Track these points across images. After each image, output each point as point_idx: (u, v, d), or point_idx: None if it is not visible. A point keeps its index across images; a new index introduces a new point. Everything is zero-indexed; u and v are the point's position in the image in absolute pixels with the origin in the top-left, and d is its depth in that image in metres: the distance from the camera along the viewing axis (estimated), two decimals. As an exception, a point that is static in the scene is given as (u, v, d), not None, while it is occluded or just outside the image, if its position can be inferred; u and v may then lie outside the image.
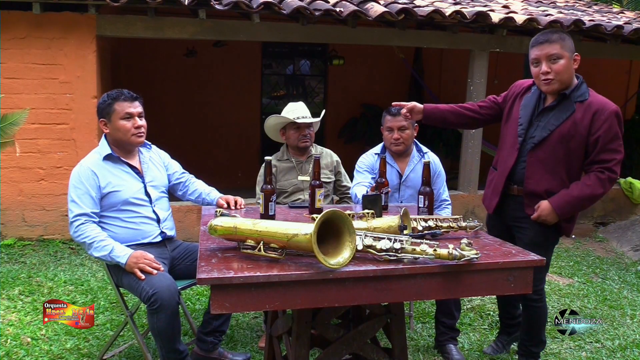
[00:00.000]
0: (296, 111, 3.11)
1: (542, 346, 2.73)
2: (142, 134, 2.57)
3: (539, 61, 2.39)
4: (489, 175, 2.78)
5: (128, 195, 2.52)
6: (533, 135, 2.47)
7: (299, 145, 3.10)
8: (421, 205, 2.35)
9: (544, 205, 2.44)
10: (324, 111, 3.28)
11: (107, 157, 2.53)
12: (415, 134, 3.08)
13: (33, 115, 4.54)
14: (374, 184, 2.57)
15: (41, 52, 4.60)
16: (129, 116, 2.51)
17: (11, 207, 4.68)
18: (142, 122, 2.56)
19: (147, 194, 2.60)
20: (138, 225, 2.55)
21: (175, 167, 2.84)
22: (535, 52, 2.40)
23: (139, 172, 2.61)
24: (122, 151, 2.58)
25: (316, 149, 3.23)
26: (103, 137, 2.60)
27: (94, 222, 2.44)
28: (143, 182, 2.61)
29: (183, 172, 2.85)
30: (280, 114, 3.17)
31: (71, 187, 2.46)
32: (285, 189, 3.11)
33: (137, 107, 2.55)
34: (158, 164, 2.74)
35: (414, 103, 2.67)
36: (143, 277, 2.31)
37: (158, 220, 2.63)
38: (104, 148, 2.55)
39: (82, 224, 2.40)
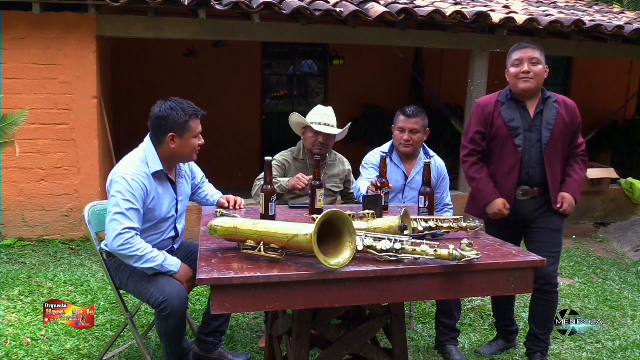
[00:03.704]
0: (319, 116, 3.04)
1: (550, 331, 2.84)
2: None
3: (521, 62, 2.65)
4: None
5: (163, 214, 2.45)
6: (537, 139, 2.67)
7: (313, 151, 3.05)
8: (421, 205, 2.35)
9: (567, 196, 2.69)
10: (349, 123, 3.24)
11: (155, 173, 2.39)
12: (425, 138, 3.07)
13: (33, 115, 4.54)
14: (377, 182, 2.57)
15: (41, 52, 4.60)
16: (198, 134, 2.44)
17: (11, 207, 4.68)
18: (203, 140, 2.49)
19: (175, 209, 2.54)
20: (157, 243, 2.47)
21: (199, 173, 2.77)
22: (518, 54, 2.67)
23: (174, 188, 2.52)
24: (168, 165, 2.46)
25: (331, 155, 3.19)
26: (151, 148, 2.40)
27: (139, 235, 2.32)
28: (176, 199, 2.53)
29: (204, 181, 2.81)
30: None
31: (120, 197, 2.26)
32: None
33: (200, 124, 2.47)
34: (187, 175, 2.66)
35: (503, 202, 2.69)
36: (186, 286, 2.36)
37: (175, 237, 2.58)
38: (154, 163, 2.38)
39: (132, 237, 2.25)
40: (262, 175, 3.05)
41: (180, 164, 2.60)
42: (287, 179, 2.81)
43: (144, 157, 2.40)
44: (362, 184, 2.86)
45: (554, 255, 2.73)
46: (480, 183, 2.75)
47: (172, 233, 2.57)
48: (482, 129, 2.77)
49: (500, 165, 2.74)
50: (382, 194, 2.43)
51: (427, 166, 2.38)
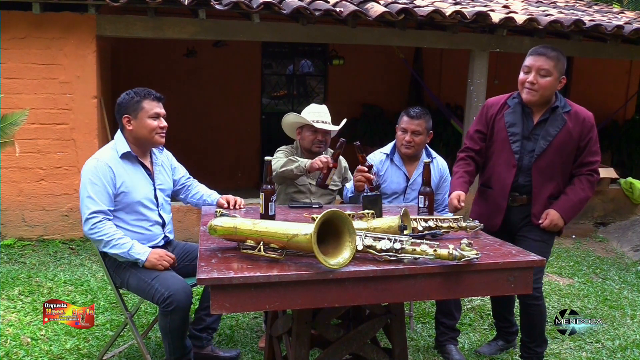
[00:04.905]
0: (317, 114, 3.04)
1: (545, 345, 2.76)
2: (165, 135, 2.54)
3: (529, 70, 2.52)
4: (479, 195, 2.82)
5: (140, 197, 2.49)
6: (533, 149, 2.58)
7: (312, 149, 3.03)
8: (421, 205, 2.35)
9: (553, 213, 2.57)
10: (344, 120, 3.24)
11: (124, 155, 2.49)
12: (429, 141, 3.06)
13: (33, 115, 4.54)
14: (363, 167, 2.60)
15: (41, 52, 4.60)
16: (157, 116, 2.49)
17: (11, 207, 4.68)
18: (165, 123, 2.54)
19: (155, 197, 2.58)
20: (146, 228, 2.53)
21: (182, 171, 2.81)
22: (529, 61, 2.52)
23: (150, 174, 2.59)
24: (139, 150, 2.54)
25: (327, 154, 3.20)
26: (120, 134, 2.52)
27: (110, 219, 2.40)
28: (153, 185, 2.58)
29: (188, 177, 2.84)
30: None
31: (87, 181, 2.39)
32: (297, 184, 3.04)
33: (162, 109, 2.53)
34: (167, 167, 2.71)
35: (458, 194, 2.59)
36: (163, 269, 2.37)
37: (163, 225, 2.62)
38: (121, 145, 2.49)
39: (100, 221, 2.35)
40: (283, 147, 3.09)
41: (157, 154, 2.66)
42: (307, 160, 2.78)
43: (113, 144, 2.53)
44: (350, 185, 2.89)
45: None
46: (454, 177, 2.73)
47: (159, 220, 2.60)
48: (482, 129, 2.73)
49: (497, 169, 2.69)
50: (373, 175, 2.52)
51: (427, 166, 2.38)
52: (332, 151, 3.20)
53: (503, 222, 2.68)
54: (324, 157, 2.68)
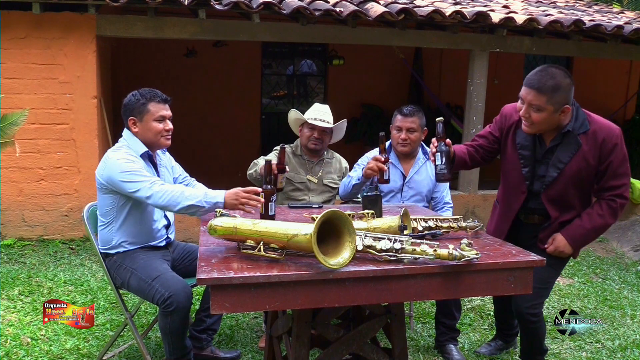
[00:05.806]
0: (317, 112, 3.10)
1: (545, 353, 2.72)
2: (170, 137, 2.53)
3: (522, 101, 2.28)
4: (493, 208, 2.75)
5: None
6: (543, 175, 2.39)
7: (308, 146, 3.09)
8: (439, 162, 2.32)
9: (560, 239, 2.41)
10: (345, 121, 3.26)
11: (142, 155, 2.46)
12: (424, 138, 3.08)
13: (33, 115, 4.54)
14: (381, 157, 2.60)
15: (41, 52, 4.60)
16: (162, 119, 2.47)
17: (11, 207, 4.68)
18: (171, 125, 2.52)
19: None
20: (153, 228, 2.52)
21: (179, 170, 2.82)
22: (523, 91, 2.26)
23: (157, 175, 2.57)
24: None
25: (328, 153, 3.23)
26: (130, 135, 2.48)
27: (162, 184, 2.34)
28: None
29: (185, 176, 2.84)
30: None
31: (124, 168, 2.31)
32: (293, 181, 3.08)
33: (168, 110, 2.51)
34: (168, 167, 2.71)
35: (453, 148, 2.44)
36: (252, 210, 2.26)
37: (168, 226, 2.63)
38: (138, 146, 2.46)
39: (161, 185, 2.28)
40: (261, 157, 3.12)
41: (159, 155, 2.66)
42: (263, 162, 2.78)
43: (125, 144, 2.47)
44: (346, 180, 2.93)
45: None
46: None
47: (165, 222, 2.60)
48: (497, 134, 2.54)
49: (505, 190, 2.58)
50: (387, 169, 2.55)
51: (441, 123, 2.35)
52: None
53: (513, 236, 2.54)
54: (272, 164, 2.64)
